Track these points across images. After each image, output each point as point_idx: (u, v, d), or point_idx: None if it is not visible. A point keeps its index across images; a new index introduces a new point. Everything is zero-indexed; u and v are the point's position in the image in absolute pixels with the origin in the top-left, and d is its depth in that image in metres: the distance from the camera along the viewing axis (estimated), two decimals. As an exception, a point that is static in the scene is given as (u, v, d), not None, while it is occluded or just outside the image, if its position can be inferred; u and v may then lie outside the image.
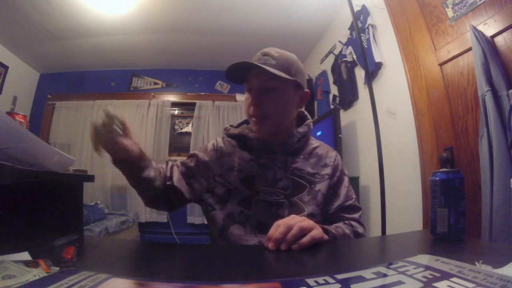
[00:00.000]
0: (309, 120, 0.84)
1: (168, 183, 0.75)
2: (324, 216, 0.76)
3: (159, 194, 0.74)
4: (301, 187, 0.76)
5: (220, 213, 0.75)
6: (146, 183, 0.70)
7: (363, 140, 2.20)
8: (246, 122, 0.88)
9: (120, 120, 0.60)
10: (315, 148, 0.82)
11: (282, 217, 0.62)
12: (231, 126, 0.86)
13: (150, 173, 0.70)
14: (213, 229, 0.77)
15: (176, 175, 0.77)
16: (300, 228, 0.53)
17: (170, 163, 0.80)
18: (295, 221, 0.55)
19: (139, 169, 0.68)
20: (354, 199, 0.80)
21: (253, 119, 0.75)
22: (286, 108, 0.76)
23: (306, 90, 0.79)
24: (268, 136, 0.77)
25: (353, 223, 0.75)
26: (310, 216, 0.71)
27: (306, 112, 0.85)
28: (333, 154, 0.84)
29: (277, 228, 0.54)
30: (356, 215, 0.78)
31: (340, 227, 0.70)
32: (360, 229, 0.75)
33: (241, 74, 0.74)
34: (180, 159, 0.87)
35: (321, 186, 0.77)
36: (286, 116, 0.78)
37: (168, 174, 0.77)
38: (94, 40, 2.95)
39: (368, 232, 1.94)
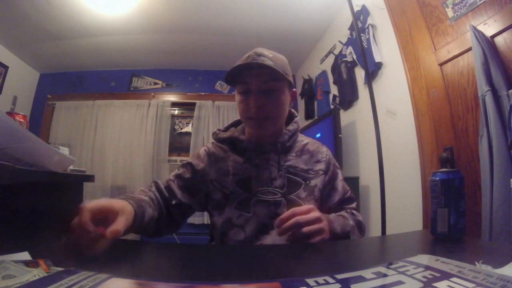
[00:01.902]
0: (298, 117, 0.85)
1: (173, 202, 0.73)
2: (324, 211, 0.76)
3: (159, 222, 0.72)
4: (297, 184, 0.76)
5: (219, 219, 0.75)
6: (150, 224, 0.68)
7: (363, 140, 2.20)
8: (233, 125, 0.88)
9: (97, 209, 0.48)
10: (305, 144, 0.83)
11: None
12: (219, 130, 0.85)
13: (150, 213, 0.67)
14: (214, 235, 0.78)
15: (177, 192, 0.75)
16: (304, 236, 0.57)
17: (161, 184, 0.77)
18: (307, 219, 0.58)
19: (139, 222, 0.62)
20: (349, 191, 0.84)
21: (253, 121, 0.74)
22: (285, 108, 0.77)
23: (294, 89, 0.81)
24: (261, 137, 0.77)
25: (354, 212, 0.79)
26: None
27: (293, 110, 0.86)
28: (323, 149, 0.84)
29: (291, 216, 0.58)
30: (353, 205, 0.82)
31: (347, 218, 0.73)
32: (360, 217, 0.79)
33: (235, 76, 0.73)
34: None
35: (317, 182, 0.78)
36: (284, 116, 0.78)
37: (167, 194, 0.75)
38: (94, 40, 2.95)
39: (368, 232, 1.94)
